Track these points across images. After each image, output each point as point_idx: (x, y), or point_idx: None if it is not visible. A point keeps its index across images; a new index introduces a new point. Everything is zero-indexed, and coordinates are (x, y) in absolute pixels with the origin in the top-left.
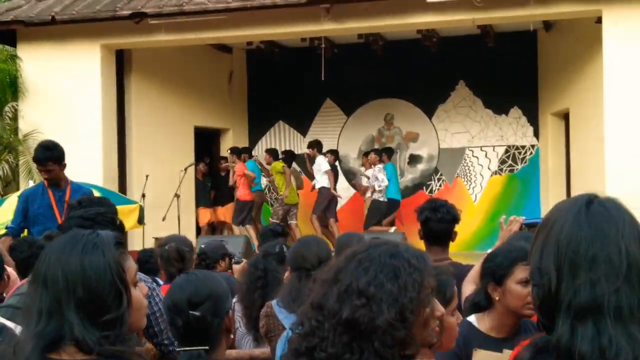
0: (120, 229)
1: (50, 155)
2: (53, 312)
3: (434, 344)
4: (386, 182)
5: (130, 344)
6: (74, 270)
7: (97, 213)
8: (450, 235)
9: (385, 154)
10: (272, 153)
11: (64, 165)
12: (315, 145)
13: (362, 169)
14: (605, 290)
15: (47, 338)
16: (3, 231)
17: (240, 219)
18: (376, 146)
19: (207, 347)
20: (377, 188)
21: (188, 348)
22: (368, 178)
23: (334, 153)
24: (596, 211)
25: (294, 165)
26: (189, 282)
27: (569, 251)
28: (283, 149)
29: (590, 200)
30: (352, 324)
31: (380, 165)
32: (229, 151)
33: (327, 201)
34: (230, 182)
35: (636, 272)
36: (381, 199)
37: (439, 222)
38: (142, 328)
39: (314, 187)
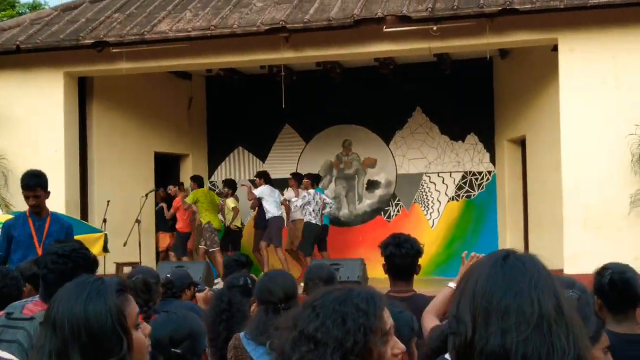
0: (93, 264)
1: (38, 182)
2: (60, 355)
3: None
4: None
5: None
6: (78, 316)
7: (72, 249)
8: (414, 269)
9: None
10: (195, 180)
11: (49, 193)
12: (263, 175)
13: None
14: (515, 338)
15: None
16: None
17: (182, 251)
18: (334, 172)
19: None
20: (310, 211)
21: None
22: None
23: (264, 175)
24: (512, 264)
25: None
26: (170, 321)
27: (484, 301)
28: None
29: (507, 254)
30: None
31: (312, 191)
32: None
33: (278, 230)
34: (167, 216)
35: (547, 323)
36: (315, 222)
37: (404, 257)
38: None
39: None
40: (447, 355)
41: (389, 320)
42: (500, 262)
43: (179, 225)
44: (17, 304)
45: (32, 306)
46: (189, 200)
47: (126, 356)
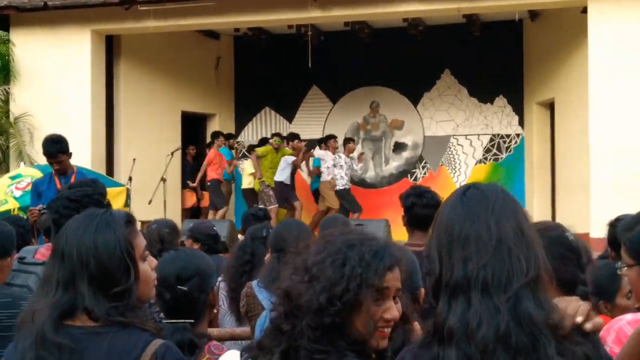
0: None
1: (59, 148)
2: (68, 284)
3: (376, 347)
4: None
5: (140, 313)
6: (87, 246)
7: (84, 195)
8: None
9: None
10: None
11: (71, 154)
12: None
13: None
14: (475, 265)
15: (61, 307)
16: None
17: (222, 200)
18: (361, 134)
19: (192, 321)
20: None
21: (174, 320)
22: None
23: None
24: (471, 195)
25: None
26: (178, 259)
27: (446, 235)
28: (271, 134)
29: (468, 187)
30: (288, 296)
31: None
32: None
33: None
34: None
35: (506, 247)
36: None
37: (424, 207)
38: (151, 299)
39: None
40: None
41: (393, 283)
42: (460, 195)
43: (211, 177)
44: (30, 249)
45: (44, 250)
46: (259, 151)
47: (132, 286)
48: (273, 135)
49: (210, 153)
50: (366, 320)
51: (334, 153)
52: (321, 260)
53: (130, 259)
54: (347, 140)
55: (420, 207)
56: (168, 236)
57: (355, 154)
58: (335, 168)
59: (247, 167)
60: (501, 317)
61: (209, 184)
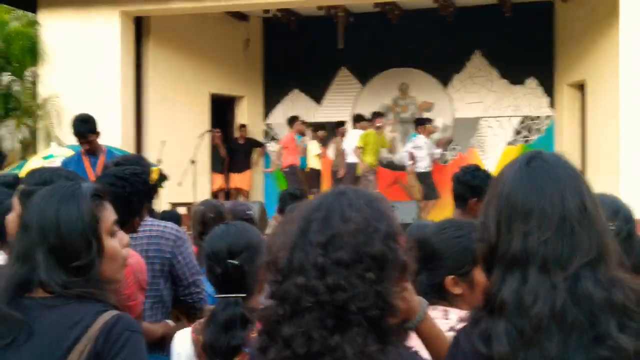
0: (152, 190)
1: (89, 128)
2: (27, 256)
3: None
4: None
5: (104, 290)
6: (48, 218)
7: (132, 173)
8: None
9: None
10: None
11: (99, 134)
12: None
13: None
14: (536, 241)
15: (18, 279)
16: None
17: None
18: (391, 116)
19: (243, 295)
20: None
21: (225, 295)
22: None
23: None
24: (536, 166)
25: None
26: (229, 233)
27: (508, 206)
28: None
29: (533, 157)
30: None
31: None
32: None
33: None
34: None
35: (569, 224)
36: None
37: (462, 184)
38: (120, 279)
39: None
40: None
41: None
42: (524, 164)
43: (287, 162)
44: None
45: None
46: (360, 142)
47: (95, 261)
48: (375, 115)
49: (286, 138)
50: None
51: (427, 137)
52: (358, 211)
53: (93, 233)
54: (425, 121)
55: (458, 184)
56: (211, 221)
57: (436, 136)
58: (415, 150)
59: (312, 148)
60: (558, 294)
61: (287, 169)
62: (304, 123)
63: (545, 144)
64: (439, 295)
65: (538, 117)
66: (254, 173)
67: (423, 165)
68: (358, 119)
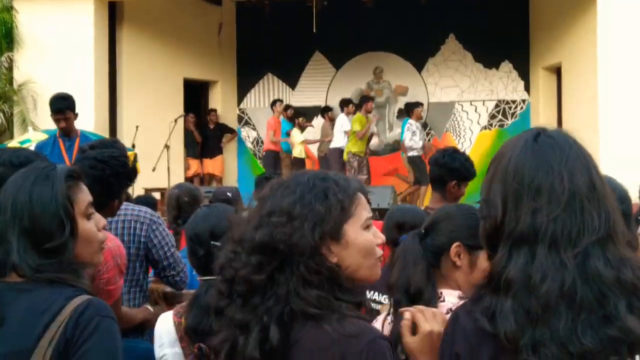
0: (131, 173)
1: (67, 105)
2: (1, 239)
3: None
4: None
5: (76, 273)
6: (22, 199)
7: (112, 156)
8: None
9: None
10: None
11: (77, 115)
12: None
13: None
14: (545, 218)
15: None
16: None
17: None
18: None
19: None
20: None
21: (208, 277)
22: None
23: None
24: (543, 142)
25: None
26: (211, 215)
27: (514, 182)
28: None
29: (538, 133)
30: (267, 245)
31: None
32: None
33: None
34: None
35: (579, 201)
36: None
37: (440, 167)
38: (97, 263)
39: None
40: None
41: (365, 212)
42: (531, 141)
43: (267, 147)
44: None
45: None
46: (357, 126)
47: (68, 243)
48: (365, 98)
49: (273, 120)
50: (357, 250)
51: (417, 121)
52: (300, 198)
53: (67, 214)
54: (415, 105)
55: (437, 166)
56: (186, 205)
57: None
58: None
59: (296, 136)
60: (567, 272)
61: (265, 154)
62: (289, 107)
63: (521, 128)
64: (434, 260)
65: (513, 101)
66: (226, 159)
67: (416, 150)
68: (346, 103)
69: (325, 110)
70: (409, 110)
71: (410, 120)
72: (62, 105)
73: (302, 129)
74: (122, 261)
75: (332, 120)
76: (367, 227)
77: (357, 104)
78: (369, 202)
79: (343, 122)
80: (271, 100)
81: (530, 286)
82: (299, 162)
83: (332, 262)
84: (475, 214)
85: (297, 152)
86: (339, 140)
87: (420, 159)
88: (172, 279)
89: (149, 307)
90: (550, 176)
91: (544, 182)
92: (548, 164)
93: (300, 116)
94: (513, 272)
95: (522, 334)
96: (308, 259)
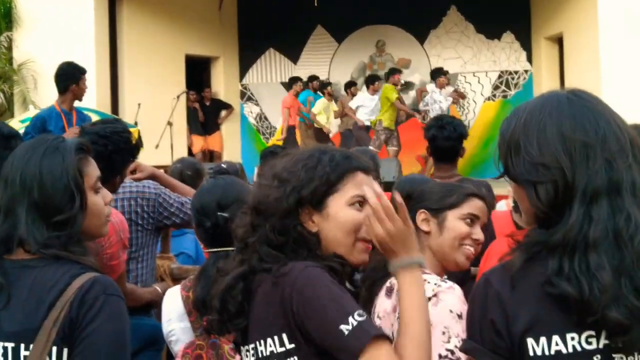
0: (134, 149)
1: (85, 71)
2: (8, 212)
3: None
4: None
5: (82, 247)
6: (31, 172)
7: (114, 131)
8: (457, 152)
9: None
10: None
11: (86, 87)
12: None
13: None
14: (622, 167)
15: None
16: None
17: None
18: (367, 73)
19: (233, 249)
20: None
21: (216, 249)
22: None
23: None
24: (583, 97)
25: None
26: (217, 186)
27: (579, 135)
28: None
29: (568, 93)
30: (257, 206)
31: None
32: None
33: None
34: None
35: (637, 149)
36: None
37: (446, 139)
38: (102, 235)
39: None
40: None
41: (355, 189)
42: (569, 98)
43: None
44: None
45: None
46: (394, 94)
47: (78, 216)
48: (393, 71)
49: (289, 98)
50: (335, 224)
51: (441, 90)
52: (293, 165)
53: (77, 187)
54: (440, 73)
55: (441, 140)
56: (189, 179)
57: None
58: (436, 104)
59: (320, 106)
60: None
61: (288, 130)
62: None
63: (524, 98)
64: None
65: (516, 71)
66: (230, 135)
67: None
68: (372, 80)
69: (349, 85)
70: (434, 78)
71: (436, 90)
72: (83, 72)
73: (334, 98)
74: (125, 235)
75: (353, 95)
76: (355, 205)
77: (368, 80)
78: (379, 182)
79: (365, 99)
80: (273, 74)
81: (620, 240)
82: (323, 135)
83: (309, 229)
84: (428, 180)
85: (324, 120)
86: (361, 115)
87: None
88: (180, 216)
89: (158, 288)
90: (611, 126)
91: (607, 132)
92: (602, 115)
93: (326, 87)
94: (598, 231)
95: (607, 290)
96: (277, 219)
